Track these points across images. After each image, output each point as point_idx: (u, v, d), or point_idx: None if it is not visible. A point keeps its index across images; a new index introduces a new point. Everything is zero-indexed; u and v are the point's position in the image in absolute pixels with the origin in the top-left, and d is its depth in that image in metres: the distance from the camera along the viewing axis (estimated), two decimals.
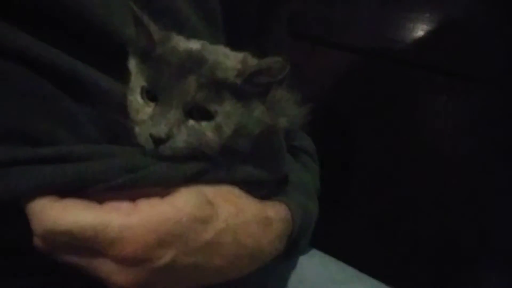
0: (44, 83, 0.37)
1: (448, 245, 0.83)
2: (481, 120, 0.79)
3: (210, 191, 0.37)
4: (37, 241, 0.33)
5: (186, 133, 0.35)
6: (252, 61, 0.37)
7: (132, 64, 0.38)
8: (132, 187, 0.34)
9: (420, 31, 0.80)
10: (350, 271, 0.55)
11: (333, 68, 0.89)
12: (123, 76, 0.38)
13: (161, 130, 0.34)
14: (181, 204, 0.34)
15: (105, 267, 0.33)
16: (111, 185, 0.33)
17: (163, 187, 0.35)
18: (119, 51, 0.38)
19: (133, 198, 0.34)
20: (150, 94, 0.36)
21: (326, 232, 0.57)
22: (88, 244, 0.32)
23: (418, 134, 0.83)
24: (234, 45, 0.40)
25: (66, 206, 0.32)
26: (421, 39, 0.80)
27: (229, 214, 0.37)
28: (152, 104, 0.36)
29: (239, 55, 0.38)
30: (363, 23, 0.85)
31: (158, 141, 0.34)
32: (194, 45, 0.37)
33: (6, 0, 0.36)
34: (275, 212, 0.42)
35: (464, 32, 0.78)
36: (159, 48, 0.36)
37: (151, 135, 0.34)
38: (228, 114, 0.36)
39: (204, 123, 0.35)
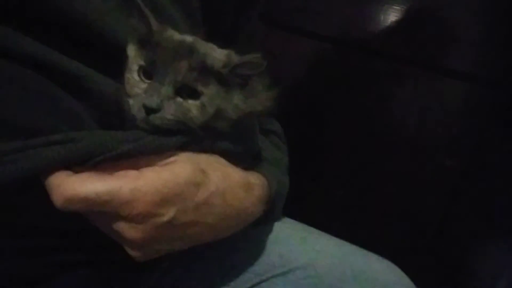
0: (50, 84, 0.42)
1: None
2: (445, 105, 0.87)
3: (202, 160, 0.44)
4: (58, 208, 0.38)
5: (174, 108, 0.41)
6: (235, 56, 0.44)
7: (131, 49, 0.43)
8: (135, 155, 0.41)
9: (390, 22, 0.87)
10: (320, 232, 0.63)
11: (306, 56, 0.96)
12: (120, 73, 0.44)
13: (153, 101, 0.40)
14: (179, 170, 0.42)
15: (118, 226, 0.40)
16: (118, 153, 0.40)
17: (160, 155, 0.42)
18: (114, 50, 0.44)
19: (137, 168, 0.41)
20: (146, 73, 0.42)
21: (301, 205, 0.65)
22: (104, 207, 0.39)
23: (386, 117, 0.91)
24: (213, 40, 0.46)
25: (82, 177, 0.39)
26: (390, 30, 0.88)
27: (218, 179, 0.44)
28: (146, 82, 0.42)
29: (224, 51, 0.45)
30: (337, 13, 0.91)
31: (150, 110, 0.40)
32: (188, 38, 0.44)
33: (14, 9, 0.41)
34: (255, 178, 0.50)
35: (431, 24, 0.86)
36: (157, 36, 0.42)
37: (144, 105, 0.40)
38: (211, 97, 0.42)
39: (190, 101, 0.42)
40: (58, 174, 0.38)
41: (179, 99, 0.42)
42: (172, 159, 0.42)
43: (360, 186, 0.96)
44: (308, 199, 0.82)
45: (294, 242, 0.59)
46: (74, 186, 0.38)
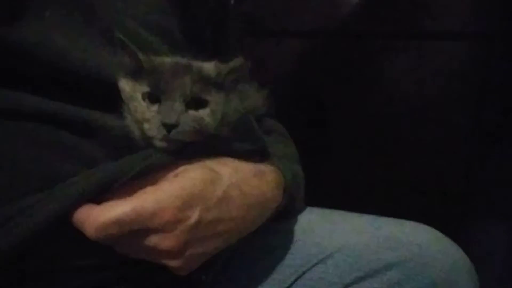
0: (62, 134, 0.45)
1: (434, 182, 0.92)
2: (441, 67, 0.89)
3: (209, 162, 0.47)
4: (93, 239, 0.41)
5: (190, 119, 0.44)
6: (221, 65, 0.48)
7: (124, 82, 0.47)
8: (147, 174, 0.44)
9: (367, 2, 0.91)
10: (345, 213, 0.64)
11: (296, 54, 1.00)
12: (117, 107, 0.48)
13: (171, 117, 0.43)
14: (191, 174, 0.45)
15: (152, 241, 0.42)
16: (133, 175, 0.42)
17: (169, 168, 0.45)
18: (110, 89, 0.47)
19: (152, 185, 0.44)
20: (151, 98, 0.45)
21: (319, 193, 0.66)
22: (134, 225, 0.41)
23: (387, 94, 0.93)
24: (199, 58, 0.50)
25: (106, 205, 0.42)
26: (369, 10, 0.91)
27: (229, 174, 0.47)
28: (155, 105, 0.45)
29: (210, 63, 0.48)
30: (314, 8, 0.95)
31: (170, 127, 0.43)
32: (177, 58, 0.48)
33: (28, 72, 0.46)
34: (265, 166, 0.52)
35: None
36: (149, 64, 0.45)
37: (164, 124, 0.43)
38: (217, 103, 0.46)
39: (201, 111, 0.45)
40: (83, 209, 0.41)
41: (191, 111, 0.45)
42: (181, 168, 0.45)
43: (373, 164, 0.97)
44: (321, 182, 0.83)
45: (326, 228, 0.60)
46: (102, 213, 0.41)
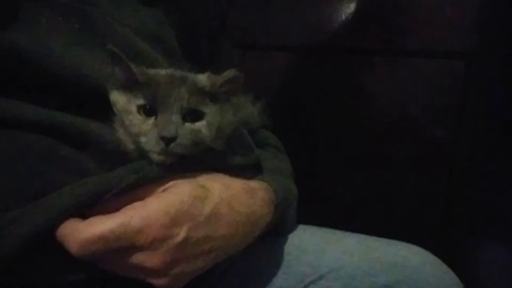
0: (56, 144, 0.44)
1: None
2: (422, 83, 0.90)
3: (199, 178, 0.46)
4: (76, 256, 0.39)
5: (188, 132, 0.43)
6: (214, 76, 0.47)
7: (116, 95, 0.45)
8: (137, 187, 0.42)
9: (350, 17, 0.92)
10: (339, 232, 0.63)
11: (283, 68, 1.00)
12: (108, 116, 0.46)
13: (170, 130, 0.42)
14: (180, 190, 0.43)
15: (137, 259, 0.41)
16: (122, 188, 0.41)
17: (158, 183, 0.43)
18: (103, 98, 0.46)
19: (140, 199, 0.42)
20: (146, 110, 0.43)
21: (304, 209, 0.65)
22: (120, 242, 0.39)
23: (370, 107, 0.94)
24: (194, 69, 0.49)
25: (92, 220, 0.40)
26: (352, 25, 0.92)
27: (220, 190, 0.45)
28: (151, 118, 0.43)
29: (204, 74, 0.47)
30: (300, 22, 0.96)
31: (168, 140, 0.42)
32: (172, 70, 0.47)
33: (12, 77, 0.44)
34: (257, 183, 0.51)
35: (391, 9, 0.90)
36: (143, 76, 0.44)
37: (162, 137, 0.42)
38: (213, 114, 0.45)
39: (198, 123, 0.44)
40: (67, 224, 0.39)
41: (188, 124, 0.44)
42: (170, 183, 0.44)
43: (357, 180, 0.97)
44: (311, 202, 0.83)
45: (319, 248, 0.59)
46: (86, 229, 0.39)
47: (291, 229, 0.62)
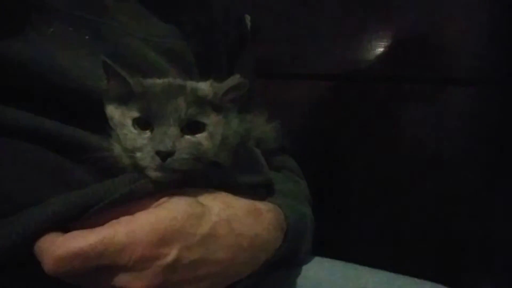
0: (50, 155, 0.41)
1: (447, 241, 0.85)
2: (455, 113, 0.86)
3: (198, 194, 0.41)
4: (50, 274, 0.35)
5: (187, 145, 0.39)
6: (218, 84, 0.43)
7: (111, 108, 0.42)
8: (127, 200, 0.38)
9: (377, 48, 0.89)
10: (360, 267, 0.57)
11: (307, 96, 0.97)
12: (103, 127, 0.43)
13: (166, 145, 0.38)
14: (173, 206, 0.39)
15: (120, 281, 0.36)
16: (111, 200, 0.37)
17: (152, 197, 0.39)
18: (97, 106, 0.43)
19: (130, 214, 0.38)
20: (141, 123, 0.40)
21: (330, 243, 0.60)
22: (100, 260, 0.35)
23: (399, 139, 0.89)
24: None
25: (72, 234, 0.36)
26: (380, 55, 0.89)
27: (219, 208, 0.41)
28: (146, 132, 0.40)
29: (206, 82, 0.44)
30: (326, 52, 0.94)
31: (165, 155, 0.38)
32: (171, 79, 0.44)
33: (12, 85, 0.42)
34: (263, 204, 0.46)
35: (420, 39, 0.87)
36: (138, 87, 0.41)
37: (158, 152, 0.38)
38: (215, 125, 0.41)
39: (198, 135, 0.40)
40: (46, 237, 0.36)
41: (187, 136, 0.40)
42: (165, 198, 0.40)
43: (390, 213, 0.90)
44: (339, 236, 0.77)
45: (338, 282, 0.53)
46: (64, 244, 0.35)
47: (306, 260, 0.56)
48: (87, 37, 0.46)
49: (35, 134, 0.41)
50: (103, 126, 0.43)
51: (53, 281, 0.37)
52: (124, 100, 0.42)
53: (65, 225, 0.37)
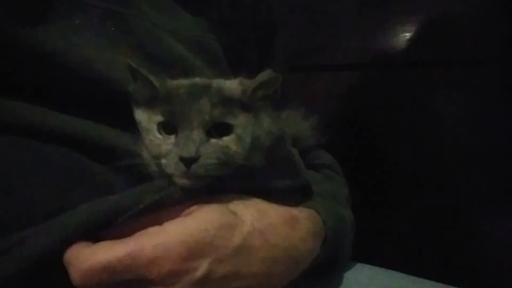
0: (78, 157, 0.40)
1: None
2: (482, 102, 0.79)
3: (230, 201, 0.39)
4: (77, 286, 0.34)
5: (213, 150, 0.37)
6: (247, 81, 0.40)
7: (139, 112, 0.41)
8: (156, 209, 0.36)
9: (401, 33, 0.84)
10: (404, 277, 0.53)
11: (331, 88, 0.94)
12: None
13: (189, 150, 0.36)
14: (204, 215, 0.36)
15: None
16: (140, 209, 0.35)
17: (182, 205, 0.37)
18: (121, 99, 0.41)
19: (158, 223, 0.36)
20: (166, 128, 0.38)
21: (368, 244, 0.56)
22: (128, 274, 0.33)
23: (433, 126, 0.83)
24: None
25: (100, 245, 0.34)
26: (404, 41, 0.84)
27: (253, 218, 0.38)
28: (171, 137, 0.38)
29: (235, 80, 0.41)
30: (348, 41, 0.90)
31: (189, 161, 0.36)
32: (196, 78, 0.41)
33: (37, 80, 0.41)
34: (300, 211, 0.43)
35: (440, 22, 0.82)
36: (163, 89, 0.39)
37: (181, 158, 0.36)
38: (244, 126, 0.38)
39: (225, 138, 0.38)
40: (75, 247, 0.34)
41: (213, 140, 0.38)
42: (195, 207, 0.37)
43: (424, 206, 0.85)
44: (377, 235, 0.72)
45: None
46: (91, 256, 0.33)
47: (345, 267, 0.53)
48: (112, 28, 0.45)
49: (64, 136, 0.39)
50: (128, 122, 0.41)
51: None
52: (150, 103, 0.40)
53: (94, 233, 0.35)
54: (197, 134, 0.37)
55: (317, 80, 0.95)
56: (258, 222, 0.38)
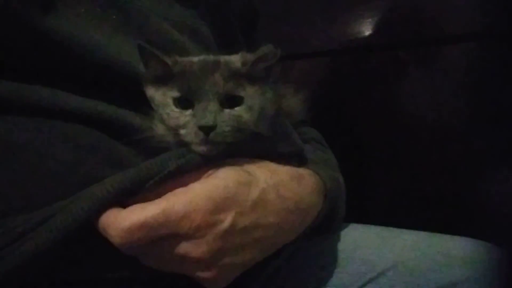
0: (100, 136, 0.43)
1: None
2: (448, 79, 0.83)
3: (243, 164, 0.43)
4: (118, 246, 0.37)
5: (228, 118, 0.41)
6: (249, 55, 0.44)
7: (152, 90, 0.44)
8: (179, 174, 0.40)
9: (370, 18, 0.89)
10: (392, 229, 0.59)
11: (306, 75, 0.98)
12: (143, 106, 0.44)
13: (209, 119, 0.40)
14: (224, 175, 0.40)
15: (182, 249, 0.38)
16: (165, 174, 0.39)
17: (201, 170, 0.41)
18: (132, 81, 0.44)
19: (183, 186, 0.40)
20: (182, 102, 0.42)
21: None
22: (163, 229, 0.37)
23: (402, 105, 0.88)
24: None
25: (133, 208, 0.38)
26: (372, 24, 0.89)
27: (265, 176, 0.42)
28: (188, 109, 0.42)
29: (237, 55, 0.45)
30: (320, 29, 0.94)
31: (208, 129, 0.40)
32: (202, 56, 0.45)
33: (54, 64, 0.43)
34: (304, 169, 0.47)
35: (404, 3, 0.86)
36: (176, 67, 0.42)
37: (201, 127, 0.40)
38: (252, 97, 0.43)
39: (237, 108, 0.42)
40: (108, 213, 0.38)
41: (227, 110, 0.42)
42: (213, 170, 0.41)
43: (401, 177, 0.90)
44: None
45: (374, 244, 0.55)
46: (128, 217, 0.37)
47: (341, 227, 0.58)
48: (114, 17, 0.47)
49: (82, 116, 0.42)
50: (136, 101, 0.44)
51: (112, 260, 0.39)
52: (163, 80, 0.43)
53: (123, 200, 0.38)
54: (213, 106, 0.41)
55: (291, 69, 0.99)
56: (270, 179, 0.42)
